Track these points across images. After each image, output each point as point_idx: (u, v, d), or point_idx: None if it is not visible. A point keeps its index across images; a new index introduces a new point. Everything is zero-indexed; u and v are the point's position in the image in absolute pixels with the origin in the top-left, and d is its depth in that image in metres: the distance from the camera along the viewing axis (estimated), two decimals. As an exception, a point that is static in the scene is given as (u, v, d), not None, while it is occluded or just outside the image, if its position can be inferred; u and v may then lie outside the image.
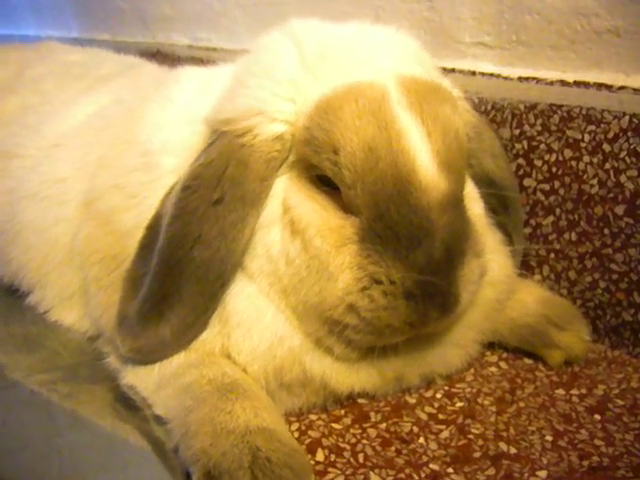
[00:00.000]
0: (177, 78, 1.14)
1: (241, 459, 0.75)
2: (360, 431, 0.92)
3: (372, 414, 0.95)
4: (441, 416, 0.95)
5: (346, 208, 0.86)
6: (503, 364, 1.07)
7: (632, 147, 0.99)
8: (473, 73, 1.16)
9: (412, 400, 0.98)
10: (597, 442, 0.89)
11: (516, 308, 1.07)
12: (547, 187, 1.10)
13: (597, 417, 0.94)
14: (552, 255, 1.11)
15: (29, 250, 1.12)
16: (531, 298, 1.07)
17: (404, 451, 0.88)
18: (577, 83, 1.07)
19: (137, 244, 0.97)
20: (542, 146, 1.08)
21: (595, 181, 1.04)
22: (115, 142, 1.11)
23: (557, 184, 1.08)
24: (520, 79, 1.12)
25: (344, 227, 0.86)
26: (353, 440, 0.90)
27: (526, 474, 0.84)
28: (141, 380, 0.94)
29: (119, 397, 0.94)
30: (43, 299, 1.12)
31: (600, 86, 1.03)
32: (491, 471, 0.84)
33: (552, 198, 1.09)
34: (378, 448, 0.89)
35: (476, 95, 1.10)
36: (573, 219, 1.08)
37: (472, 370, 1.05)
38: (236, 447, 0.76)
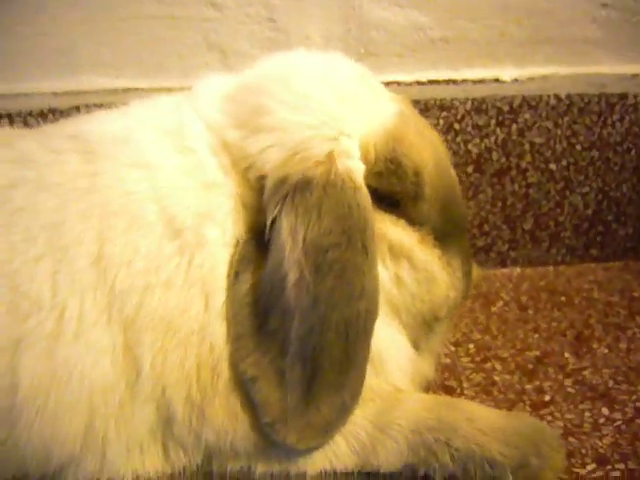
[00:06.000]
0: (124, 139, 0.93)
1: (535, 438, 0.86)
2: (460, 396, 1.08)
3: (449, 383, 1.12)
4: (478, 358, 1.18)
5: (411, 221, 0.98)
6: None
7: (474, 122, 1.35)
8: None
9: (447, 360, 1.18)
10: (554, 324, 1.29)
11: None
12: (413, 164, 1.37)
13: (531, 312, 1.33)
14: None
15: (64, 414, 0.80)
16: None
17: (502, 388, 1.10)
18: (430, 82, 1.34)
19: (224, 338, 0.86)
20: (407, 134, 1.33)
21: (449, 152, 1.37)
22: (103, 237, 0.86)
23: (421, 161, 1.36)
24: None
25: (424, 236, 0.98)
26: (468, 401, 1.07)
27: (559, 357, 1.17)
28: (335, 460, 0.87)
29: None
30: (105, 462, 0.82)
31: (447, 82, 1.34)
32: (552, 369, 1.14)
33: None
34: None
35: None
36: (436, 184, 1.39)
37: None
38: (517, 435, 0.86)
